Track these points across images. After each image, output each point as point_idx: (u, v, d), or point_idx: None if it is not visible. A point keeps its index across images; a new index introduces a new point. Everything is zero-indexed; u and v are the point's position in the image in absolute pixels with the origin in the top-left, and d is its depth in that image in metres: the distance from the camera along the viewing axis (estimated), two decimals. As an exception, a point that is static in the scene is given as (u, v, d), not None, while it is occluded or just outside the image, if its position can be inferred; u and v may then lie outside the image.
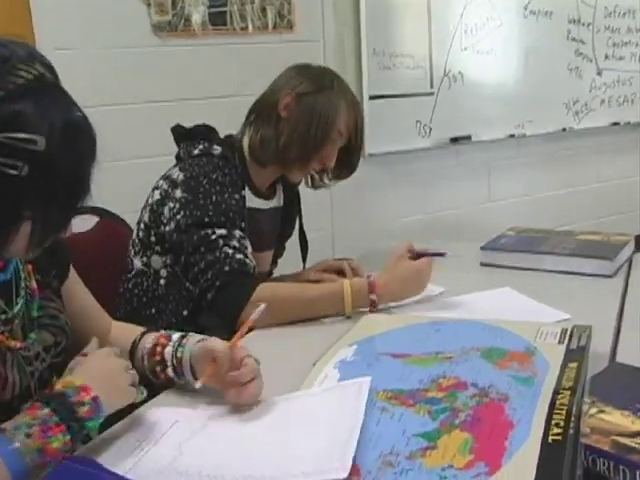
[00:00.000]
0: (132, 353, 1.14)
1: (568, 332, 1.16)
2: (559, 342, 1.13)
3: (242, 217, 1.57)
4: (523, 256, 1.66)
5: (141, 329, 1.19)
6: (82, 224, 1.85)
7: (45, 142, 0.81)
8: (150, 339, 1.12)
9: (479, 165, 3.78)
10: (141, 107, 2.92)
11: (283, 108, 1.61)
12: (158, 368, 1.09)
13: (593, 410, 0.91)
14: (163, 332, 1.14)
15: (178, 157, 1.66)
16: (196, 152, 1.61)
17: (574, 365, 1.03)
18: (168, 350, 1.08)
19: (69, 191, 0.86)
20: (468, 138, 3.64)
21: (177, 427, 0.98)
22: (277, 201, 1.79)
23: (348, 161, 1.70)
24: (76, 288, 1.21)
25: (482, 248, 1.72)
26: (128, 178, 2.43)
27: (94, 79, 2.84)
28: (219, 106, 2.87)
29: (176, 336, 1.10)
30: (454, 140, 3.61)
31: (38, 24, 2.72)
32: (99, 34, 2.83)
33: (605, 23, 3.95)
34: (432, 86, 3.53)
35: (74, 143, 0.85)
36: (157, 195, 1.62)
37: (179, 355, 1.06)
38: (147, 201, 1.65)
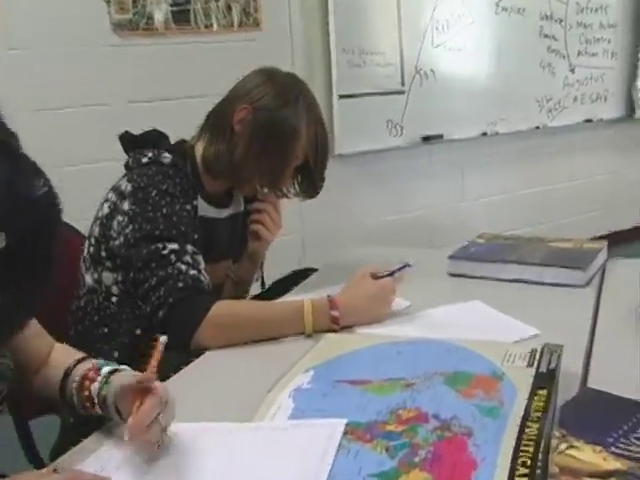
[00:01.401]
0: (63, 384, 1.05)
1: (538, 353, 1.10)
2: (528, 364, 1.06)
3: (194, 229, 1.48)
4: (492, 266, 1.59)
5: (79, 356, 1.10)
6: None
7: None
8: (80, 371, 1.04)
9: (452, 164, 3.73)
10: (100, 109, 2.82)
11: (237, 122, 1.52)
12: (88, 404, 1.01)
13: (563, 446, 0.84)
14: (96, 363, 1.05)
15: (127, 166, 1.56)
16: (145, 160, 1.52)
17: (543, 392, 0.97)
18: (95, 387, 1.00)
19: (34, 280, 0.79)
20: (440, 137, 3.58)
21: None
22: (235, 207, 1.71)
23: (309, 183, 1.62)
24: None
25: (450, 257, 1.65)
26: (85, 184, 2.33)
27: (50, 80, 2.74)
28: (183, 108, 2.78)
29: (105, 370, 1.01)
30: (426, 139, 3.56)
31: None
32: (56, 33, 2.73)
33: (577, 19, 3.91)
34: (403, 84, 3.48)
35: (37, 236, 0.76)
36: (106, 208, 1.53)
37: (103, 394, 0.98)
38: (97, 214, 1.56)
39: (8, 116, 0.84)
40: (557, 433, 0.87)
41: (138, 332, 1.48)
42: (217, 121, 1.57)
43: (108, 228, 1.51)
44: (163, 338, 0.90)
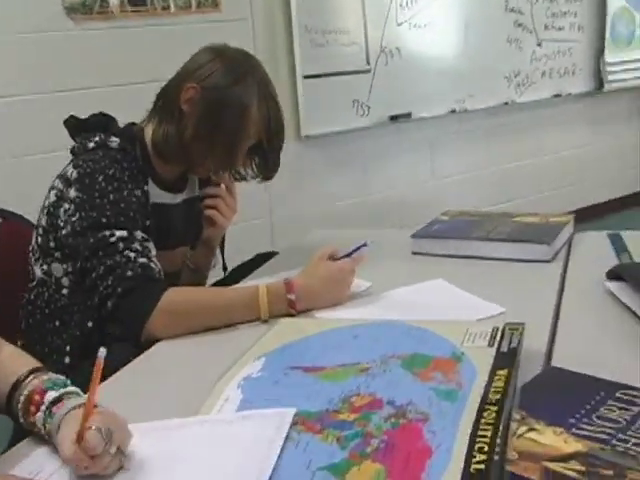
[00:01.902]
0: (11, 394, 0.98)
1: (499, 332, 1.05)
2: (489, 344, 1.02)
3: (145, 215, 1.42)
4: (456, 243, 1.55)
5: (30, 366, 1.02)
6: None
7: None
8: (29, 387, 0.96)
9: (421, 143, 3.68)
10: (54, 96, 2.73)
11: (185, 102, 1.46)
12: (35, 429, 0.94)
13: (522, 429, 0.79)
14: (43, 382, 0.96)
15: (73, 152, 1.49)
16: (91, 145, 1.45)
17: (503, 372, 0.92)
18: (39, 416, 0.92)
19: None
20: (408, 115, 3.53)
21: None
22: (190, 191, 1.64)
23: (263, 165, 1.56)
24: None
25: (413, 236, 1.60)
26: (39, 175, 2.25)
27: (3, 67, 2.64)
28: (140, 92, 2.68)
29: (49, 397, 0.93)
30: (394, 118, 3.51)
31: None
32: (7, 18, 2.63)
33: (543, -8, 3.87)
34: (368, 63, 3.42)
35: None
36: (52, 196, 1.46)
37: (48, 427, 0.91)
38: (44, 203, 1.50)
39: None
40: (517, 415, 0.82)
41: (90, 325, 1.42)
42: (165, 102, 1.51)
43: (55, 217, 1.44)
44: (102, 351, 0.83)
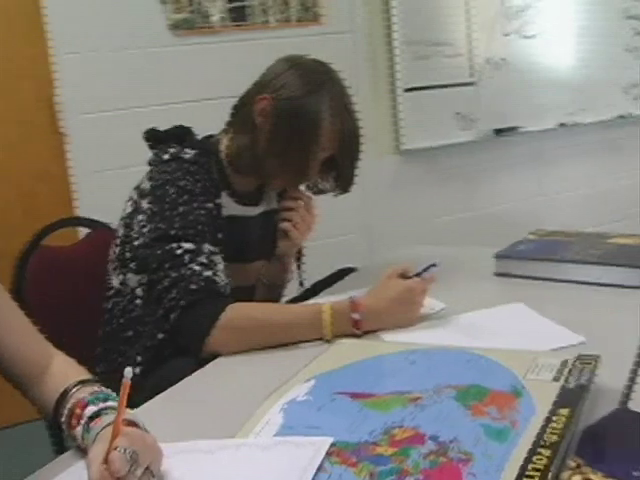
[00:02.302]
0: (58, 404, 0.98)
1: (569, 365, 0.96)
2: (554, 378, 0.92)
3: (215, 228, 1.41)
4: (542, 265, 1.44)
5: (79, 377, 1.02)
6: (70, 236, 1.74)
7: None
8: (74, 400, 0.96)
9: (527, 158, 3.52)
10: (159, 109, 2.80)
11: (258, 113, 1.44)
12: (76, 442, 0.93)
13: (575, 478, 0.71)
14: (87, 396, 0.96)
15: (149, 163, 1.51)
16: (166, 157, 1.46)
17: (565, 412, 0.83)
18: (78, 430, 0.92)
19: None
20: (514, 129, 3.39)
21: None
22: (268, 204, 1.62)
23: (339, 177, 1.51)
24: (9, 314, 1.07)
25: (496, 256, 1.51)
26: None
27: (108, 82, 2.74)
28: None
29: (89, 411, 0.92)
30: (499, 132, 3.37)
31: (51, 28, 2.64)
32: (113, 36, 2.73)
33: (665, -2, 3.62)
34: (473, 75, 3.31)
35: None
36: (129, 207, 1.48)
37: (85, 442, 0.90)
38: (122, 214, 1.52)
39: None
40: (572, 462, 0.73)
41: (160, 336, 1.42)
42: (240, 114, 1.50)
43: (131, 228, 1.46)
44: (127, 371, 0.81)
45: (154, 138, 1.54)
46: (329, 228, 3.25)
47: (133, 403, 0.91)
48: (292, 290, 1.75)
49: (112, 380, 1.46)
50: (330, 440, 0.83)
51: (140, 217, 1.42)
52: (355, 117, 1.47)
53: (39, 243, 1.65)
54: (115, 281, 1.51)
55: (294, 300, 1.72)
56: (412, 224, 3.31)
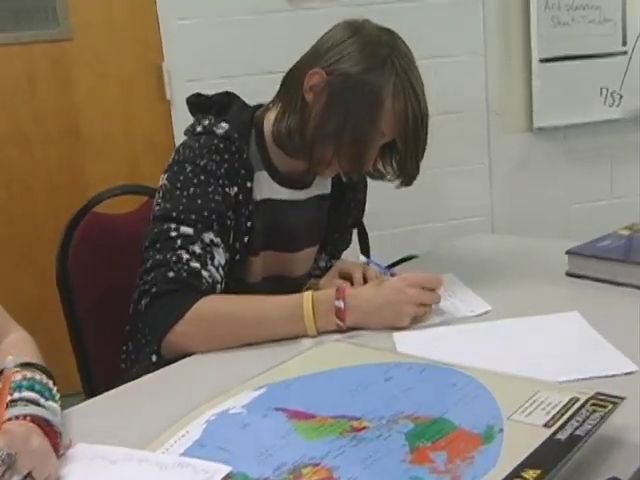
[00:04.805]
0: None
1: (577, 405, 0.72)
2: (546, 423, 0.69)
3: (241, 215, 1.25)
4: (622, 267, 1.16)
5: (21, 360, 0.93)
6: (128, 203, 1.68)
7: None
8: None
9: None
10: (268, 78, 2.69)
11: (309, 89, 1.24)
12: None
13: None
14: (20, 377, 0.85)
15: (185, 133, 1.38)
16: (199, 129, 1.31)
17: (532, 475, 0.61)
18: None
19: None
20: (671, 107, 2.94)
21: None
22: (319, 188, 1.43)
23: (401, 167, 1.29)
24: None
25: (568, 252, 1.24)
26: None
27: (219, 50, 2.67)
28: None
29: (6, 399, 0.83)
30: (651, 110, 2.94)
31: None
32: (223, 1, 2.65)
33: None
34: (625, 44, 2.91)
35: None
36: (160, 180, 1.37)
37: None
38: None
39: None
40: None
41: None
42: (290, 87, 1.30)
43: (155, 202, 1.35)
44: (9, 360, 0.69)
45: (196, 104, 1.41)
46: (447, 210, 3.03)
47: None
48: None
49: (138, 360, 1.38)
50: (226, 470, 0.67)
51: (159, 192, 1.30)
52: (422, 99, 1.23)
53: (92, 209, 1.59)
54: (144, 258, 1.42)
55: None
56: (542, 211, 2.99)
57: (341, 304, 1.09)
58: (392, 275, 1.20)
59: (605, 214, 2.99)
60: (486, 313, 1.13)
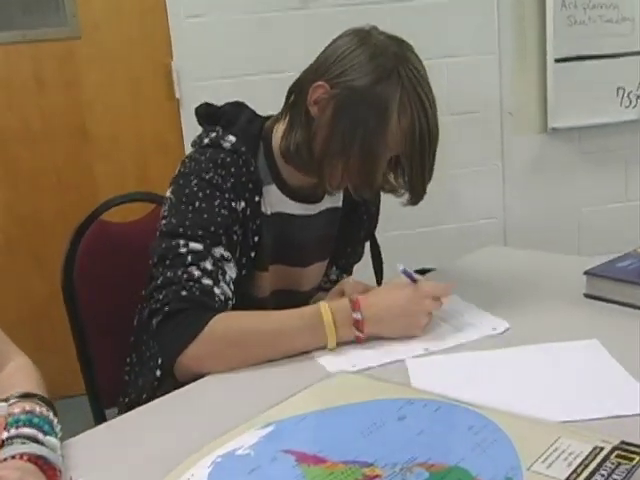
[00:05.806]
0: None
1: (601, 455, 0.68)
2: (568, 478, 0.66)
3: (249, 231, 1.22)
4: (643, 291, 1.12)
5: (24, 389, 0.90)
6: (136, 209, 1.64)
7: None
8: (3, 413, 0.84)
9: None
10: (277, 77, 2.65)
11: (313, 103, 1.20)
12: None
13: None
14: (19, 410, 0.83)
15: (192, 145, 1.34)
16: (206, 141, 1.27)
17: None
18: None
19: None
20: (689, 108, 2.89)
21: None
22: (330, 201, 1.39)
23: (408, 183, 1.24)
24: None
25: (587, 273, 1.20)
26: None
27: (229, 49, 2.63)
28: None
29: (3, 436, 0.80)
30: (669, 111, 2.89)
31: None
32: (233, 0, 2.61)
33: None
34: (643, 43, 2.84)
35: None
36: (167, 192, 1.34)
37: None
38: None
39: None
40: None
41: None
42: (295, 100, 1.25)
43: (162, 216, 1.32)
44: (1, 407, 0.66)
45: (205, 115, 1.37)
46: (460, 212, 2.99)
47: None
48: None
49: (142, 374, 1.35)
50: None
51: (164, 205, 1.27)
52: (431, 114, 1.18)
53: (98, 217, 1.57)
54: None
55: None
56: (555, 212, 2.95)
57: (358, 316, 1.08)
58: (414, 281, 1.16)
59: (619, 216, 2.94)
60: (507, 330, 1.11)
